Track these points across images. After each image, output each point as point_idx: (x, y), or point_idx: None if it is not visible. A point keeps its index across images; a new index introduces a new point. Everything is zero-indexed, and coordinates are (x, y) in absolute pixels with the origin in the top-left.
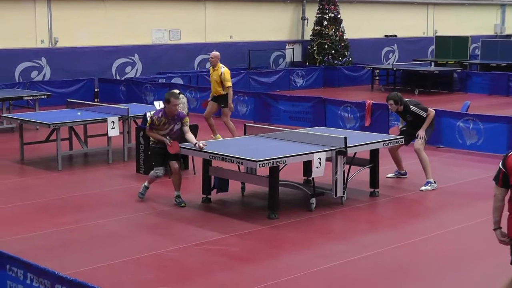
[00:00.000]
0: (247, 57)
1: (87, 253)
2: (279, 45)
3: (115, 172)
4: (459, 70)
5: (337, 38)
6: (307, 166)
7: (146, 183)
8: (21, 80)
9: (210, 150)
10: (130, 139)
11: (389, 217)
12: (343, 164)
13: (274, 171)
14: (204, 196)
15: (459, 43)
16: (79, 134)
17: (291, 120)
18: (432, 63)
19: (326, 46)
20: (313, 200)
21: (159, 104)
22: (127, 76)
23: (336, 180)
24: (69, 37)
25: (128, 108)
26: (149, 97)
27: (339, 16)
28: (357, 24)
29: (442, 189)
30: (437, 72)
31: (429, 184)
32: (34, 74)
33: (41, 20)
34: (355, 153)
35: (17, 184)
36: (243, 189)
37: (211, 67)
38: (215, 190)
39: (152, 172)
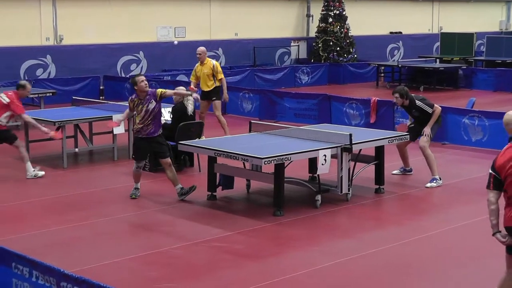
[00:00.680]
0: (252, 54)
1: (93, 251)
2: (284, 42)
3: (120, 170)
4: (464, 67)
5: (342, 35)
6: (313, 163)
7: (135, 185)
8: (26, 78)
9: (215, 147)
10: None
11: (394, 214)
12: (348, 161)
13: (280, 168)
14: (210, 193)
15: (464, 39)
16: (84, 132)
17: (296, 117)
18: (437, 60)
19: (331, 43)
20: (319, 197)
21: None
22: (132, 73)
23: (341, 177)
24: (74, 35)
25: None
26: None
27: (344, 13)
28: (362, 21)
29: (447, 186)
30: (442, 68)
31: (435, 181)
32: (39, 71)
33: (46, 18)
34: (360, 150)
35: (22, 182)
36: (248, 186)
37: (198, 64)
38: (220, 187)
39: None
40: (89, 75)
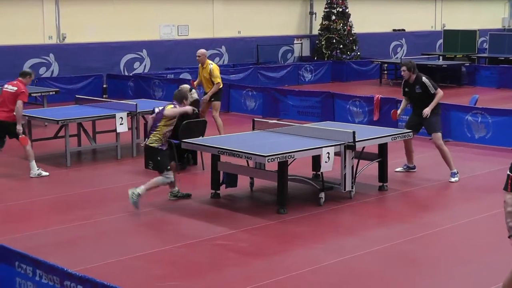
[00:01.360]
0: (255, 52)
1: (96, 250)
2: (287, 40)
3: (123, 168)
4: (467, 64)
5: (345, 33)
6: (316, 161)
7: (141, 190)
8: None
9: (218, 145)
10: (139, 134)
11: (398, 212)
12: (352, 158)
13: (283, 166)
14: (213, 191)
15: (467, 37)
16: (88, 130)
17: (299, 115)
18: (440, 57)
19: (334, 41)
20: (322, 195)
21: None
22: (135, 72)
23: (345, 174)
24: (77, 33)
25: (136, 104)
26: (158, 93)
27: (347, 10)
28: (365, 19)
29: (451, 183)
30: (445, 66)
31: (456, 175)
32: (42, 70)
33: (49, 16)
34: (363, 148)
35: (25, 181)
36: (252, 184)
37: (199, 65)
38: (224, 186)
39: (161, 178)
40: (92, 73)
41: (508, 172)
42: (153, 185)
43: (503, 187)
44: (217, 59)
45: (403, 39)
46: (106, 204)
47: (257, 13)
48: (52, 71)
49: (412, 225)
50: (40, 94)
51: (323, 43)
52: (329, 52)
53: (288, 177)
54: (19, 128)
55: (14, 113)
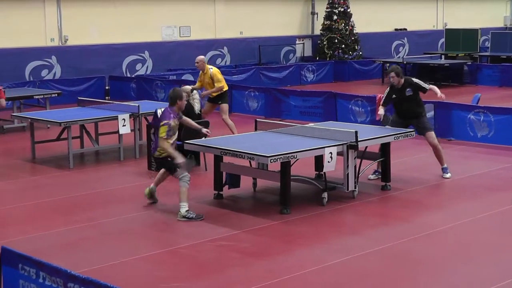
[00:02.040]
0: (257, 53)
1: (100, 251)
2: (289, 40)
3: (126, 170)
4: (469, 63)
5: (347, 32)
6: (319, 161)
7: (184, 206)
8: (31, 79)
9: (221, 146)
10: (141, 136)
11: (401, 211)
12: (354, 158)
13: (286, 166)
14: (216, 192)
15: (469, 35)
16: (90, 132)
17: (302, 115)
18: (442, 56)
19: (336, 41)
20: (325, 195)
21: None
22: (137, 73)
23: (348, 174)
24: (79, 35)
25: (139, 105)
26: (160, 94)
27: (348, 10)
28: (367, 18)
29: (453, 182)
30: (448, 65)
31: (448, 170)
32: (44, 72)
33: (51, 19)
34: (366, 147)
35: (28, 183)
36: (254, 184)
37: (200, 72)
38: (226, 186)
39: (181, 183)
40: (94, 75)
41: None
42: (185, 194)
43: None
44: (219, 60)
45: (405, 38)
46: (109, 205)
47: (259, 13)
48: (54, 73)
49: (415, 225)
50: (42, 96)
51: (325, 43)
52: (331, 52)
53: (291, 177)
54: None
55: None
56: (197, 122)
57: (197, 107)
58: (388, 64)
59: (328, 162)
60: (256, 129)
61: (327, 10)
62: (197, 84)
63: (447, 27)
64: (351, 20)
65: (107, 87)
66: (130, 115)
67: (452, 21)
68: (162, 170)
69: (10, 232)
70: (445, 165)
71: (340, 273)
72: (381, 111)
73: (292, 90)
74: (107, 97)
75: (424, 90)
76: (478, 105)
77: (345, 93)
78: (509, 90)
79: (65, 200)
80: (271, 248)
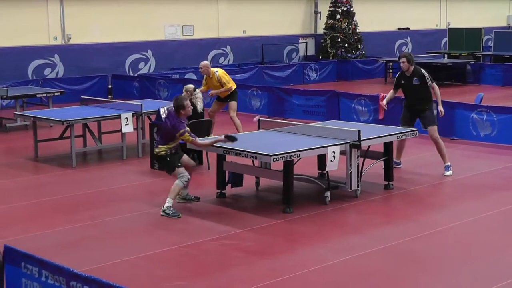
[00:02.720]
0: (260, 52)
1: (102, 250)
2: (292, 39)
3: (129, 169)
4: (472, 62)
5: (350, 32)
6: (321, 160)
7: (169, 202)
8: (34, 78)
9: (224, 145)
10: (144, 135)
11: (403, 210)
12: (357, 157)
13: (288, 165)
14: (219, 191)
15: (472, 35)
16: (93, 131)
17: (305, 114)
18: (445, 55)
19: (339, 40)
20: (328, 194)
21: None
22: (140, 72)
23: (350, 173)
24: (81, 34)
25: (141, 104)
26: (163, 93)
27: (351, 9)
28: (370, 17)
29: (457, 181)
30: (450, 64)
31: (450, 168)
32: (47, 71)
33: (54, 17)
34: (369, 146)
35: (31, 182)
36: (257, 183)
37: (205, 77)
38: (229, 185)
39: (177, 180)
40: (97, 74)
41: None
42: (175, 191)
43: None
44: (222, 59)
45: (408, 37)
46: (112, 204)
47: (262, 12)
48: (57, 72)
49: (418, 224)
50: (45, 95)
51: (328, 42)
52: (334, 51)
53: (294, 176)
54: None
55: None
56: (199, 121)
57: (199, 106)
58: (391, 63)
59: (331, 161)
60: (259, 128)
61: (330, 9)
62: (203, 88)
63: (450, 26)
64: (354, 19)
65: (110, 86)
66: (133, 114)
67: (455, 20)
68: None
69: (12, 230)
70: (448, 163)
71: (343, 272)
72: (384, 102)
73: (295, 89)
74: (110, 96)
75: (427, 83)
76: (481, 104)
77: (348, 92)
78: None
79: (67, 199)
80: (273, 247)
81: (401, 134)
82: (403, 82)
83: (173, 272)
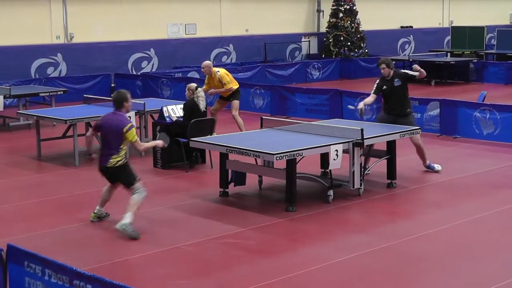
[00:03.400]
0: (263, 50)
1: (105, 249)
2: (295, 38)
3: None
4: (475, 60)
5: (353, 30)
6: (324, 158)
7: (129, 218)
8: (37, 76)
9: (227, 143)
10: (147, 133)
11: (406, 208)
12: (360, 155)
13: (291, 163)
14: (222, 189)
15: (475, 33)
16: None
17: (307, 113)
18: (448, 54)
19: (342, 38)
20: (331, 192)
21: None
22: (143, 71)
23: (353, 172)
24: (84, 33)
25: (144, 103)
26: (166, 92)
27: (354, 7)
28: (373, 16)
29: (459, 179)
30: (453, 62)
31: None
32: (50, 70)
33: (57, 16)
34: (372, 145)
35: (34, 181)
36: (260, 182)
37: (207, 76)
38: (232, 184)
39: (136, 195)
40: (100, 73)
41: None
42: (135, 206)
43: None
44: (224, 57)
45: (411, 36)
46: (115, 203)
47: (265, 11)
48: (60, 71)
49: (420, 222)
50: (48, 93)
51: (330, 40)
52: (336, 49)
53: (297, 175)
54: None
55: None
56: (202, 120)
57: (201, 104)
58: (394, 62)
59: (334, 159)
60: (261, 127)
61: (333, 7)
62: (205, 87)
63: (453, 24)
64: (357, 17)
65: (112, 85)
66: (135, 112)
67: (458, 18)
68: (107, 188)
69: (15, 229)
70: (428, 162)
71: (346, 270)
72: (360, 105)
73: (298, 87)
74: (112, 95)
75: (412, 76)
76: (484, 102)
77: (351, 90)
78: None
79: (70, 198)
80: (276, 245)
81: (404, 133)
82: (384, 87)
83: (175, 271)
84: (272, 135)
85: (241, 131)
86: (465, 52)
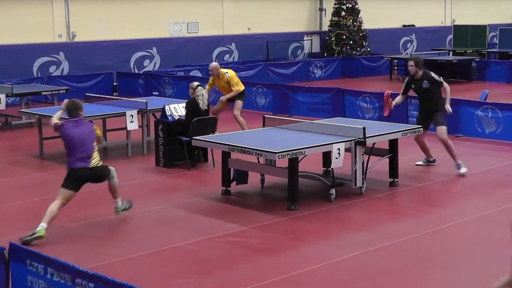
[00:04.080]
0: (265, 49)
1: (107, 247)
2: (297, 37)
3: (134, 166)
4: (478, 59)
5: (355, 29)
6: (326, 157)
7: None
8: (39, 75)
9: (229, 142)
10: (149, 132)
11: (408, 207)
12: (362, 154)
13: (294, 162)
14: (224, 188)
15: (477, 32)
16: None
17: (310, 111)
18: (451, 52)
19: (344, 37)
20: (333, 191)
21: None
22: (145, 69)
23: (356, 170)
24: (86, 31)
25: (146, 102)
26: (168, 90)
27: (356, 6)
28: (375, 14)
29: (461, 178)
30: (456, 61)
31: (462, 165)
32: (52, 68)
33: (59, 15)
34: (374, 143)
35: (36, 179)
36: (262, 181)
37: (215, 77)
38: (234, 182)
39: (115, 180)
40: (102, 71)
41: None
42: (118, 189)
43: None
44: (227, 56)
45: (413, 34)
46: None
47: (267, 10)
48: (62, 69)
49: (422, 221)
50: (50, 92)
51: (333, 39)
52: (339, 48)
53: (299, 174)
54: None
55: None
56: (204, 119)
57: (201, 103)
58: (396, 61)
59: (336, 158)
60: (264, 125)
61: (335, 6)
62: (207, 87)
63: (455, 23)
64: (359, 16)
65: (115, 83)
66: (138, 111)
67: (460, 17)
68: (68, 193)
69: (18, 228)
70: (458, 161)
71: (348, 269)
72: (391, 105)
73: (300, 86)
74: (115, 93)
75: (437, 82)
76: (486, 101)
77: (353, 89)
78: None
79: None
80: (278, 244)
81: (406, 131)
82: (413, 86)
83: (177, 270)
84: (274, 134)
85: (244, 130)
86: (467, 51)
